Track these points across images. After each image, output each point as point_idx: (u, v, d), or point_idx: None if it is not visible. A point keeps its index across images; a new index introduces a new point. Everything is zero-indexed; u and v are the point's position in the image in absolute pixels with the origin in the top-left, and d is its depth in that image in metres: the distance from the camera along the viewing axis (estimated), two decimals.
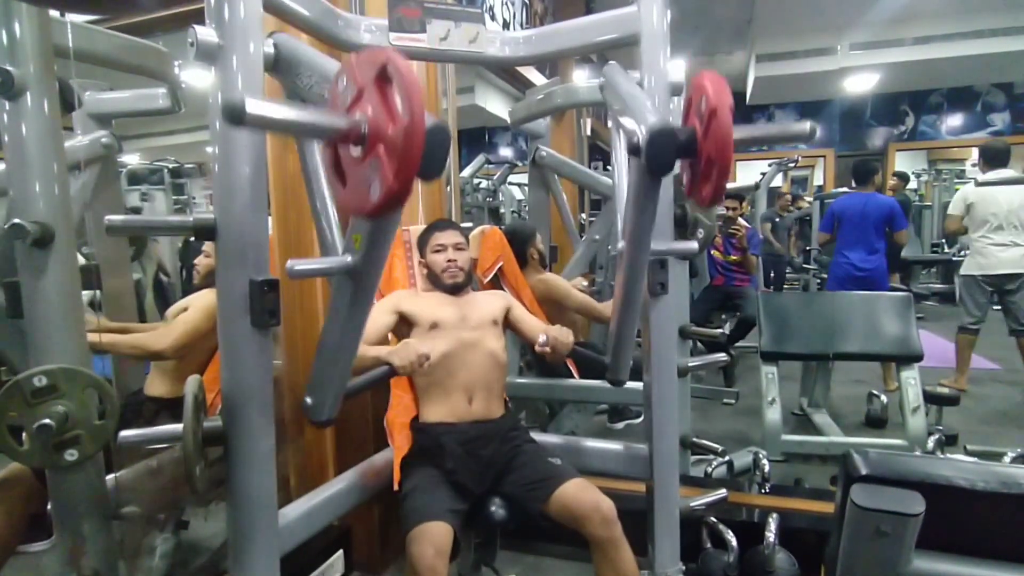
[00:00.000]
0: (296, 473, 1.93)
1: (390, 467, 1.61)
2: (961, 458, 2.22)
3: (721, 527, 1.76)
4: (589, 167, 4.38)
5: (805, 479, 2.50)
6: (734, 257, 4.03)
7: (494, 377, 1.66)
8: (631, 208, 1.22)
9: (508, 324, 1.79)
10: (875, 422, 3.25)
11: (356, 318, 1.13)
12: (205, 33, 1.05)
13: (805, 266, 5.80)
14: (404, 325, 1.68)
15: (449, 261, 1.70)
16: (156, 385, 1.92)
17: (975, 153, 8.03)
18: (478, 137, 8.64)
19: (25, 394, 1.03)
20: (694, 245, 1.42)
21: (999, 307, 3.64)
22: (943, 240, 7.36)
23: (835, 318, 2.80)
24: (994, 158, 3.55)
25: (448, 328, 1.63)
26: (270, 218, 1.79)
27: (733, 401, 3.17)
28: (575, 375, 2.39)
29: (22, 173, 1.09)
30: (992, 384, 4.01)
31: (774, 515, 1.72)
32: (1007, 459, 2.13)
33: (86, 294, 1.37)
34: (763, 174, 5.48)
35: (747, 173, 8.75)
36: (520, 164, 6.14)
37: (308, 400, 1.24)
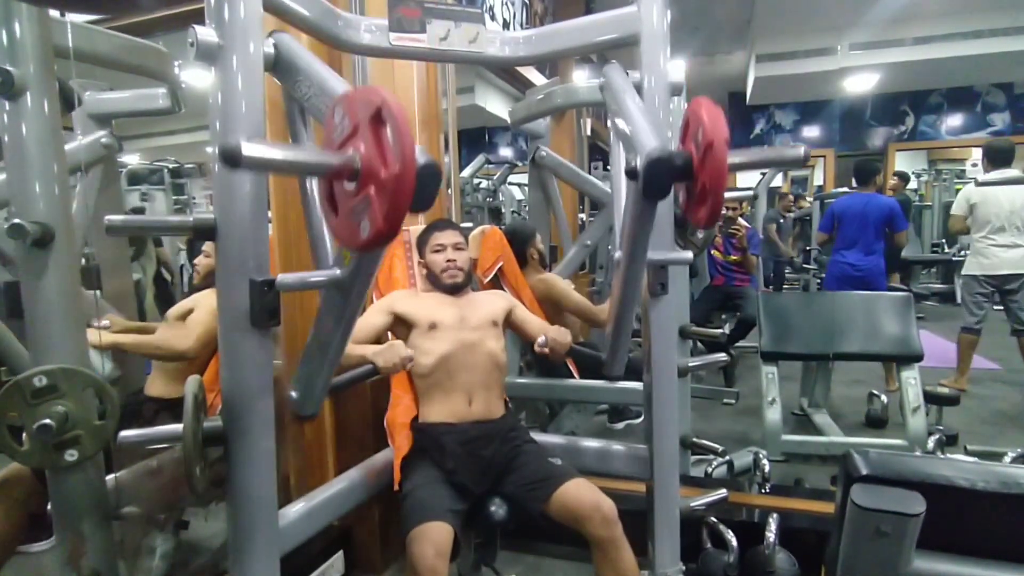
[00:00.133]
0: (296, 473, 1.93)
1: (390, 467, 1.61)
2: (961, 458, 2.22)
3: (721, 527, 1.76)
4: (589, 167, 4.39)
5: (805, 479, 2.49)
6: (734, 257, 4.03)
7: (494, 378, 1.66)
8: (628, 225, 1.24)
9: (509, 325, 1.79)
10: (875, 422, 3.25)
11: (342, 327, 1.15)
12: (205, 33, 1.05)
13: (805, 266, 5.80)
14: (402, 326, 1.68)
15: (448, 261, 1.70)
16: (156, 385, 1.92)
17: (975, 153, 8.06)
18: (478, 137, 8.63)
19: (25, 394, 1.03)
20: (689, 255, 1.44)
21: (1000, 307, 3.64)
22: (943, 240, 7.36)
23: (835, 318, 2.80)
24: (997, 158, 3.54)
25: (447, 329, 1.63)
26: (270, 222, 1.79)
27: (733, 401, 3.17)
28: (575, 375, 2.39)
29: (22, 173, 1.09)
30: (992, 384, 4.01)
31: (774, 515, 1.72)
32: (1007, 459, 2.13)
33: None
34: (763, 174, 5.47)
35: (747, 173, 8.75)
36: (520, 164, 6.14)
37: (293, 394, 1.26)
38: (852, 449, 0.98)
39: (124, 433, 1.11)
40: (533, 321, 1.81)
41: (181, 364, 1.84)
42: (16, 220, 1.06)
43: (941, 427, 2.52)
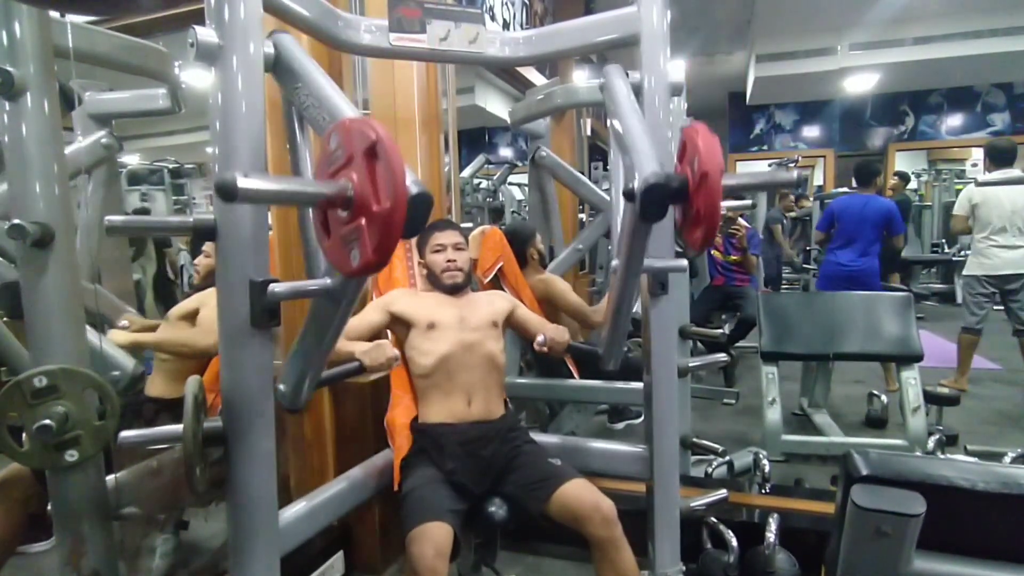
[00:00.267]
0: (296, 473, 1.93)
1: (390, 467, 1.61)
2: (961, 458, 2.22)
3: (721, 527, 1.76)
4: (589, 167, 4.38)
5: (805, 479, 2.49)
6: (734, 257, 4.03)
7: (493, 378, 1.66)
8: (625, 239, 1.28)
9: (511, 325, 1.80)
10: (875, 422, 3.25)
11: (331, 332, 1.18)
12: (205, 34, 1.05)
13: (805, 266, 5.79)
14: (401, 325, 1.68)
15: (448, 262, 1.70)
16: (156, 386, 1.92)
17: (975, 153, 8.06)
18: (478, 137, 8.63)
19: (25, 394, 1.03)
20: (684, 263, 1.46)
21: (1000, 307, 3.64)
22: (943, 240, 7.36)
23: (835, 318, 2.80)
24: (1000, 157, 3.54)
25: (447, 329, 1.63)
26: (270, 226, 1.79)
27: (733, 401, 3.17)
28: (575, 375, 2.39)
29: (22, 173, 1.09)
30: (993, 384, 4.01)
31: (774, 515, 1.72)
32: (1007, 459, 2.13)
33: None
34: None
35: (747, 171, 8.75)
36: (520, 164, 6.13)
37: (281, 387, 1.27)
38: (852, 449, 0.98)
39: (124, 433, 1.11)
40: (533, 319, 1.82)
41: (181, 364, 1.84)
42: (16, 220, 1.06)
43: (941, 427, 2.53)
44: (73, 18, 1.61)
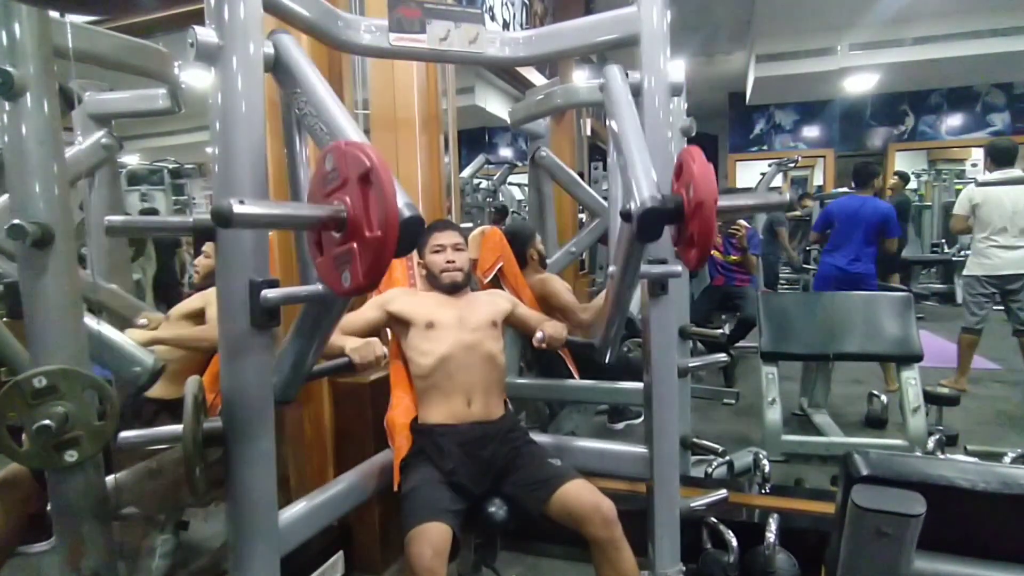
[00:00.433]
0: (296, 473, 1.93)
1: (390, 467, 1.61)
2: (962, 458, 2.22)
3: (721, 527, 1.76)
4: (589, 167, 4.38)
5: (805, 479, 2.49)
6: (734, 257, 4.03)
7: (493, 379, 1.66)
8: (620, 255, 1.32)
9: (511, 323, 1.80)
10: (875, 422, 3.24)
11: (322, 333, 1.20)
12: (205, 34, 1.05)
13: (805, 266, 5.79)
14: (400, 324, 1.69)
15: (448, 262, 1.71)
16: (156, 386, 1.91)
17: (975, 153, 8.05)
18: (478, 137, 8.63)
19: (25, 395, 1.03)
20: (679, 269, 1.45)
21: (1000, 307, 3.63)
22: (943, 240, 7.36)
23: (835, 318, 2.80)
24: (1001, 157, 3.53)
25: (446, 329, 1.63)
26: None
27: (733, 401, 3.16)
28: (575, 375, 2.39)
29: (22, 173, 1.09)
30: (992, 384, 4.01)
31: (774, 515, 1.72)
32: (1007, 459, 2.12)
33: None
34: (763, 174, 5.48)
35: (747, 173, 8.76)
36: (520, 164, 6.13)
37: (272, 379, 1.27)
38: (852, 449, 0.98)
39: (124, 434, 1.11)
40: (533, 316, 1.83)
41: (181, 365, 1.84)
42: (16, 220, 1.06)
43: (941, 427, 2.52)
44: (73, 18, 1.60)
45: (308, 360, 1.27)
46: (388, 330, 1.74)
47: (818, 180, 9.11)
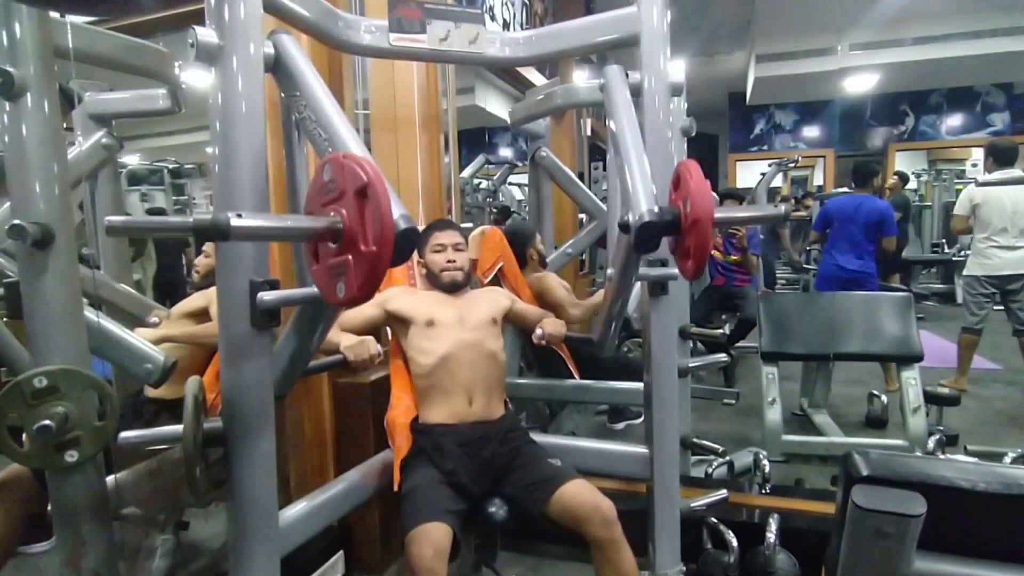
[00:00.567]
0: (296, 473, 1.93)
1: (390, 467, 1.61)
2: (962, 459, 2.22)
3: (722, 528, 1.76)
4: (589, 167, 4.38)
5: (806, 479, 2.49)
6: (734, 257, 4.03)
7: (494, 378, 1.66)
8: (618, 261, 1.34)
9: (511, 319, 1.81)
10: (875, 422, 3.25)
11: (317, 333, 1.21)
12: (205, 34, 1.05)
13: (805, 266, 5.79)
14: (399, 323, 1.69)
15: (448, 261, 1.71)
16: None
17: (975, 153, 8.06)
18: (478, 137, 8.63)
19: (25, 395, 1.03)
20: (676, 271, 1.45)
21: (1000, 307, 3.63)
22: (943, 240, 7.36)
23: (835, 318, 2.80)
24: (1002, 157, 3.53)
25: (446, 328, 1.64)
26: None
27: (733, 401, 3.16)
28: (575, 376, 2.39)
29: (22, 173, 1.09)
30: (993, 384, 4.01)
31: (775, 516, 1.72)
32: (1008, 459, 2.12)
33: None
34: (763, 174, 5.47)
35: (747, 173, 8.76)
36: (520, 164, 6.13)
37: None
38: (852, 449, 0.97)
39: (124, 434, 1.11)
40: (532, 312, 1.84)
41: (182, 364, 1.84)
42: (16, 220, 1.06)
43: (941, 427, 2.52)
44: (73, 18, 1.60)
45: (303, 356, 1.28)
46: (387, 329, 1.74)
47: (818, 180, 9.11)
